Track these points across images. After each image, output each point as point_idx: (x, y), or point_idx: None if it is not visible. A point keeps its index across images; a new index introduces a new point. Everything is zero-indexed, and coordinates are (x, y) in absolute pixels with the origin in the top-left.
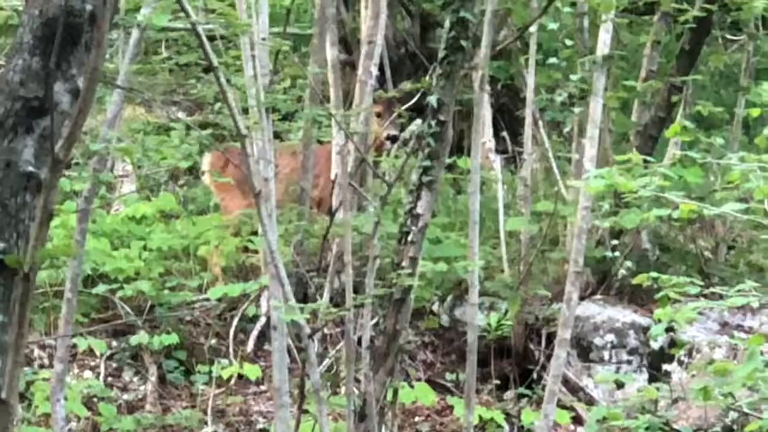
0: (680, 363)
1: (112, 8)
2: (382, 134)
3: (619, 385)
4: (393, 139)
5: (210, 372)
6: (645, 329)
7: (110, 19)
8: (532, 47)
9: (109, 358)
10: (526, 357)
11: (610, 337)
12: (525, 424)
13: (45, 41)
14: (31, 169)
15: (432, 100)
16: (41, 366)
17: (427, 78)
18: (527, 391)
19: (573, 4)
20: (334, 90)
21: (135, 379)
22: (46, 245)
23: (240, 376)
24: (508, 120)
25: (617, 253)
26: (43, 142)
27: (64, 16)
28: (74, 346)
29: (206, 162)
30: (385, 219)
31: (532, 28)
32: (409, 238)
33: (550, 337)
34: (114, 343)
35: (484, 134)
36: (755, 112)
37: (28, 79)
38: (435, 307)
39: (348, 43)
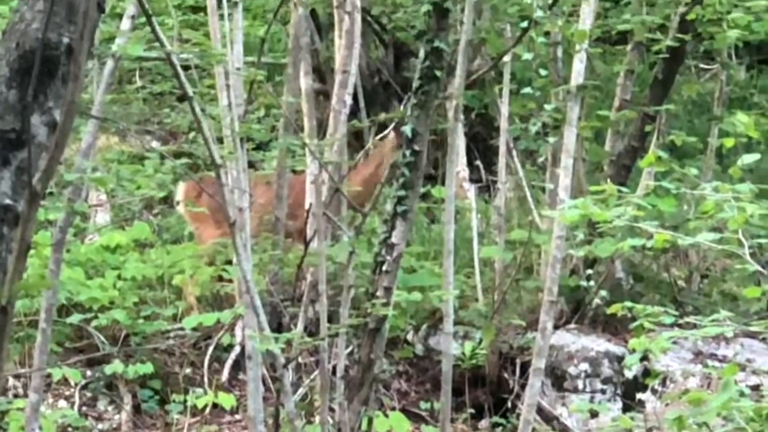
0: (654, 392)
1: (89, 41)
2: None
3: (594, 414)
4: None
5: (185, 401)
6: (619, 358)
7: (87, 52)
8: (506, 77)
9: (84, 387)
10: (501, 386)
11: (585, 366)
12: None
13: (22, 74)
14: (8, 201)
15: (406, 129)
16: (16, 395)
17: (402, 108)
18: (502, 420)
19: (547, 34)
20: (308, 119)
21: (110, 408)
22: (23, 277)
23: (215, 405)
24: (481, 149)
25: (591, 282)
26: (21, 174)
27: (41, 48)
28: (49, 375)
29: (180, 191)
30: (359, 248)
31: (507, 58)
32: (384, 268)
33: (525, 366)
34: (89, 373)
35: (458, 163)
36: (729, 142)
37: (5, 111)
38: (409, 336)
39: (322, 73)
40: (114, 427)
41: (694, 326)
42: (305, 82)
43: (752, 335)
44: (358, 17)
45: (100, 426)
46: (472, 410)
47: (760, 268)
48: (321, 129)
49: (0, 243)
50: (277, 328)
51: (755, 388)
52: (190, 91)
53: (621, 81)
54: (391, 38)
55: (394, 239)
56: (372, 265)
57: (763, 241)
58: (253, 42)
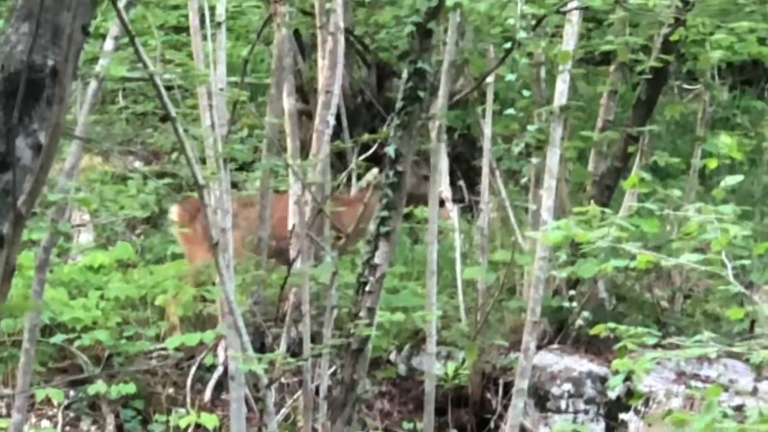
0: (637, 412)
1: (73, 63)
2: None
3: None
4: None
5: (167, 421)
6: (602, 379)
7: (72, 74)
8: (489, 97)
9: (67, 407)
10: (484, 406)
11: (567, 387)
12: None
13: (7, 96)
14: None
15: (389, 150)
16: None
17: (385, 128)
18: None
19: (530, 55)
20: (291, 140)
21: (92, 428)
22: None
23: (197, 426)
24: (464, 169)
25: (574, 303)
26: (5, 197)
27: (26, 71)
28: (32, 395)
29: (174, 212)
30: (342, 269)
31: (490, 79)
32: (367, 288)
33: (508, 386)
34: (71, 393)
35: (440, 184)
36: (712, 163)
37: None
38: (392, 357)
39: (305, 93)
40: None
41: (677, 347)
42: (288, 102)
43: (735, 356)
44: (341, 38)
45: None
46: (454, 430)
47: (743, 289)
48: (304, 149)
49: None
50: (260, 348)
51: (738, 408)
52: (173, 111)
53: (604, 102)
54: (374, 59)
55: (377, 260)
56: (355, 285)
57: (746, 262)
58: (236, 62)
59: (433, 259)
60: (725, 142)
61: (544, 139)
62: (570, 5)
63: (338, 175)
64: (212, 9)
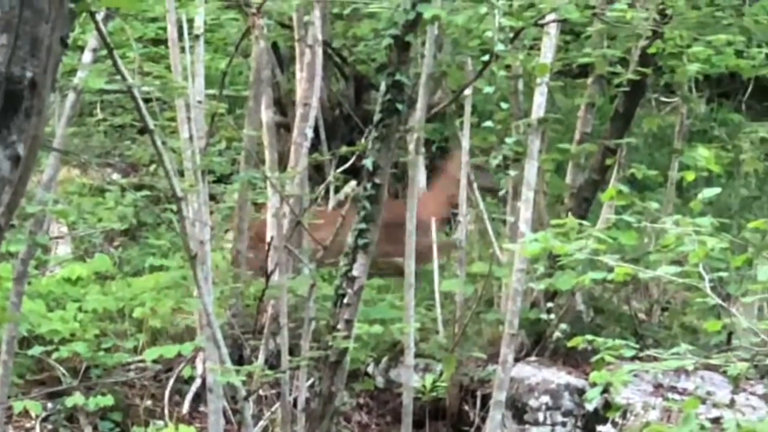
0: (615, 425)
1: (52, 75)
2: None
3: None
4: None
5: None
6: (580, 391)
7: (50, 86)
8: (467, 110)
9: (45, 419)
10: (461, 418)
11: (545, 399)
12: None
13: None
14: None
15: (368, 163)
16: None
17: (363, 141)
18: None
19: (508, 67)
20: (270, 152)
21: None
22: None
23: None
24: None
25: (552, 315)
26: None
27: (5, 83)
28: (9, 407)
29: None
30: (320, 281)
31: (468, 91)
32: (345, 301)
33: (485, 398)
34: (49, 405)
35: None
36: (690, 176)
37: None
38: (370, 369)
39: (283, 105)
40: None
41: (655, 359)
42: (266, 114)
43: (712, 368)
44: (319, 50)
45: None
46: None
47: (720, 302)
48: (282, 162)
49: None
50: (238, 360)
51: (716, 421)
52: (151, 123)
53: (582, 114)
54: (352, 71)
55: (355, 272)
56: (333, 297)
57: (723, 274)
58: (214, 75)
59: (411, 271)
60: (703, 154)
61: (522, 152)
62: (548, 18)
63: (316, 188)
64: (190, 21)
